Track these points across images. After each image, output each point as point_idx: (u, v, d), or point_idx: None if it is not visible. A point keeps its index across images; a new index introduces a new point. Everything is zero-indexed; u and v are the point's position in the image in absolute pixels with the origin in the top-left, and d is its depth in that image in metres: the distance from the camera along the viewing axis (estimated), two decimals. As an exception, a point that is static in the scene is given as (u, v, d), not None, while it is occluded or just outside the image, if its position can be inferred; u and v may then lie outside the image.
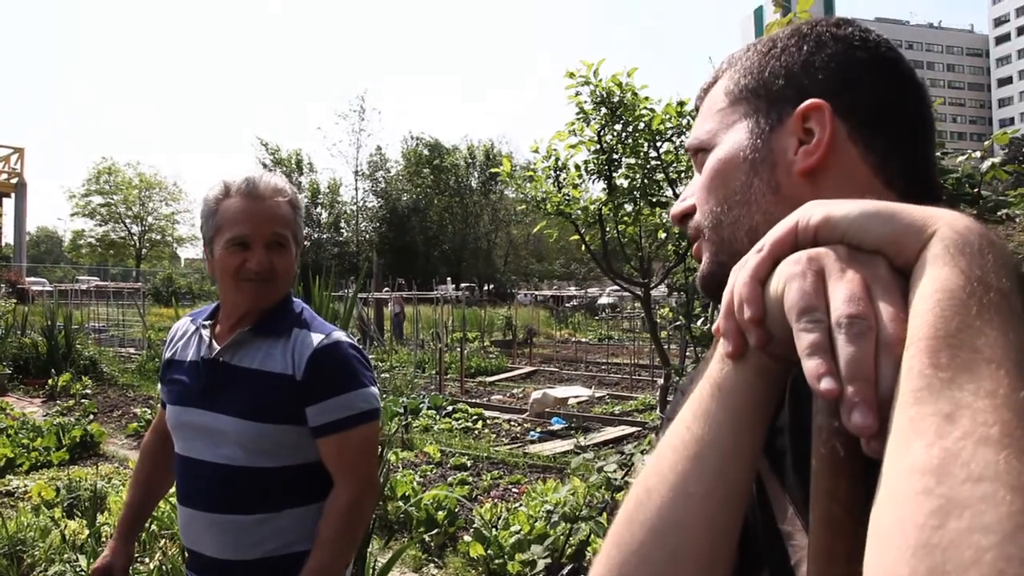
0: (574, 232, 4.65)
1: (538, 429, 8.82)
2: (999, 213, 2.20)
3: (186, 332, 1.82)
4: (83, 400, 9.59)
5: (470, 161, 56.91)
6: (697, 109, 0.78)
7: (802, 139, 0.66)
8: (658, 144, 4.08)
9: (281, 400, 1.61)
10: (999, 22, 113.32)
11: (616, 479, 3.70)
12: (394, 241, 53.00)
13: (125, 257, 53.90)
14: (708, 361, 0.57)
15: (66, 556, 3.91)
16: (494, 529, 4.56)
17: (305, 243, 1.83)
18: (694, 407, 0.56)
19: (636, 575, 0.54)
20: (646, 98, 4.01)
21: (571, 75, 4.07)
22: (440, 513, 5.04)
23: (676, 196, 4.07)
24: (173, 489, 1.84)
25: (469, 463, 6.99)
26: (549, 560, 3.94)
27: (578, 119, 4.15)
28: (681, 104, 3.93)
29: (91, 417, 8.50)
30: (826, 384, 0.42)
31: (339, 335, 1.70)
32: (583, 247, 4.74)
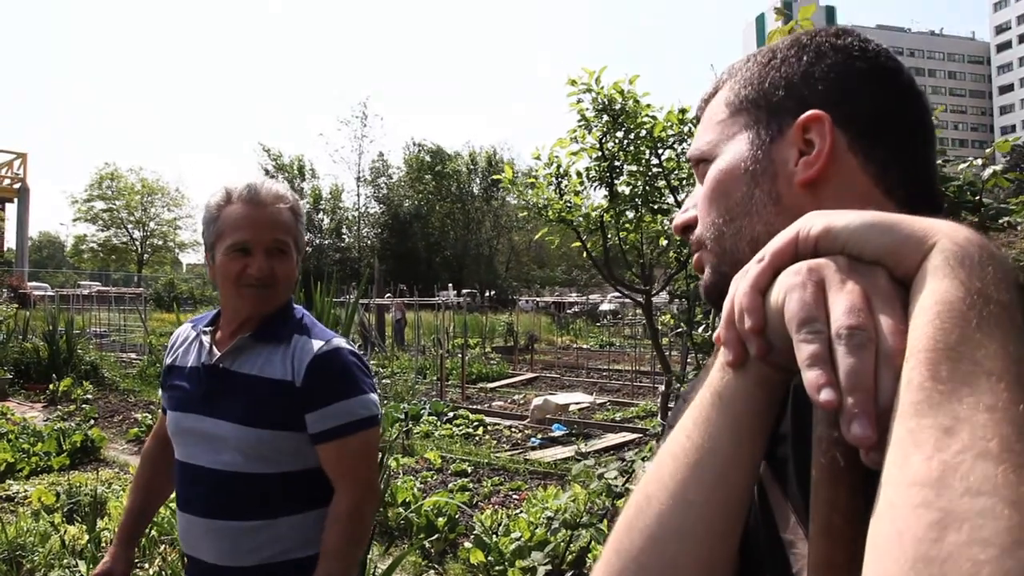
0: (576, 239, 4.65)
1: (539, 435, 8.80)
2: (1000, 221, 2.20)
3: (187, 338, 1.82)
4: (84, 405, 9.58)
5: (472, 167, 57.02)
6: (698, 119, 0.79)
7: (802, 150, 0.66)
8: (660, 151, 4.09)
9: (281, 406, 1.61)
10: (1000, 29, 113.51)
11: (617, 486, 3.69)
12: (396, 247, 53.06)
13: (127, 262, 53.95)
14: (709, 369, 0.57)
15: (66, 561, 3.91)
16: (494, 535, 4.55)
17: (307, 249, 1.83)
18: (694, 415, 0.56)
19: None
20: (648, 105, 4.02)
21: (573, 82, 4.07)
22: (441, 519, 5.03)
23: (678, 203, 4.08)
24: (173, 495, 1.84)
25: (470, 469, 6.97)
26: (549, 567, 3.93)
27: (580, 126, 4.16)
28: (683, 111, 3.94)
29: (92, 422, 8.48)
30: (826, 395, 0.42)
31: (339, 341, 1.70)
32: (585, 254, 4.74)
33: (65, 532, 4.25)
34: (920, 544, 0.34)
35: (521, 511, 5.09)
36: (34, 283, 29.51)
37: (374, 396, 1.70)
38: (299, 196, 1.77)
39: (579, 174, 4.40)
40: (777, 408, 0.55)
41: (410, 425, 8.41)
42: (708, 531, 0.53)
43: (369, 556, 3.38)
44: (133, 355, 16.53)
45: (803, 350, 0.44)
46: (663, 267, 4.98)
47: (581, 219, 4.39)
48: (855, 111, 0.66)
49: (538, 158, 4.47)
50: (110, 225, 53.61)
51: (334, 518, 1.62)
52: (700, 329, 3.89)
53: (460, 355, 14.04)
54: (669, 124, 3.96)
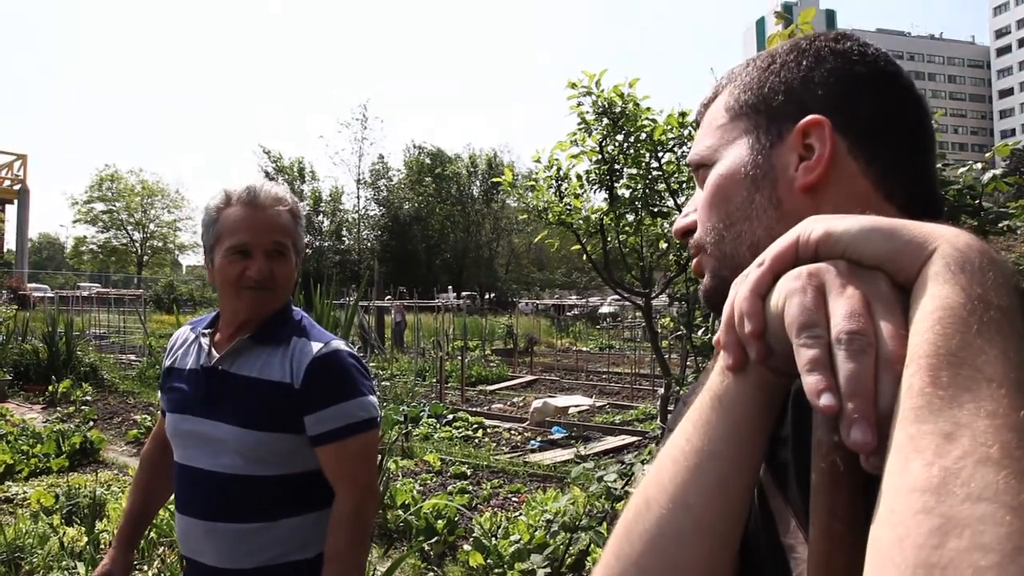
0: (575, 242, 4.65)
1: (538, 438, 8.80)
2: (1000, 225, 2.20)
3: (186, 340, 1.82)
4: (83, 407, 9.57)
5: (472, 170, 57.04)
6: (697, 123, 0.79)
7: (803, 155, 0.66)
8: (660, 154, 4.09)
9: (280, 408, 1.61)
10: (1000, 34, 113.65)
11: (616, 489, 3.69)
12: (396, 249, 53.05)
13: (127, 264, 54.00)
14: (709, 373, 0.57)
15: (64, 563, 3.90)
16: (494, 538, 4.55)
17: (307, 251, 1.83)
18: (694, 419, 0.56)
19: None
20: (648, 108, 4.02)
21: (573, 85, 4.08)
22: (440, 522, 5.02)
23: (678, 206, 4.08)
24: (172, 497, 1.84)
25: (469, 472, 6.97)
26: (548, 570, 3.93)
27: (580, 129, 4.16)
28: (683, 115, 3.94)
29: (91, 424, 8.48)
30: (825, 400, 0.42)
31: (338, 343, 1.70)
32: (584, 257, 4.74)
33: (64, 534, 4.25)
34: (921, 550, 0.34)
35: (520, 514, 5.09)
36: (34, 284, 29.52)
37: (373, 398, 1.70)
38: (299, 198, 1.78)
39: (579, 177, 4.40)
40: (777, 412, 0.55)
41: (409, 427, 8.40)
42: (708, 535, 0.53)
43: (368, 558, 3.37)
44: (132, 357, 16.53)
45: (803, 355, 0.44)
46: (663, 270, 4.98)
47: (581, 222, 4.39)
48: (855, 116, 0.66)
49: (538, 161, 4.47)
50: (110, 227, 53.67)
51: (337, 522, 1.61)
52: (700, 332, 3.89)
53: (459, 357, 14.04)
54: (669, 127, 3.96)
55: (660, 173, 4.12)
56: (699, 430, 0.55)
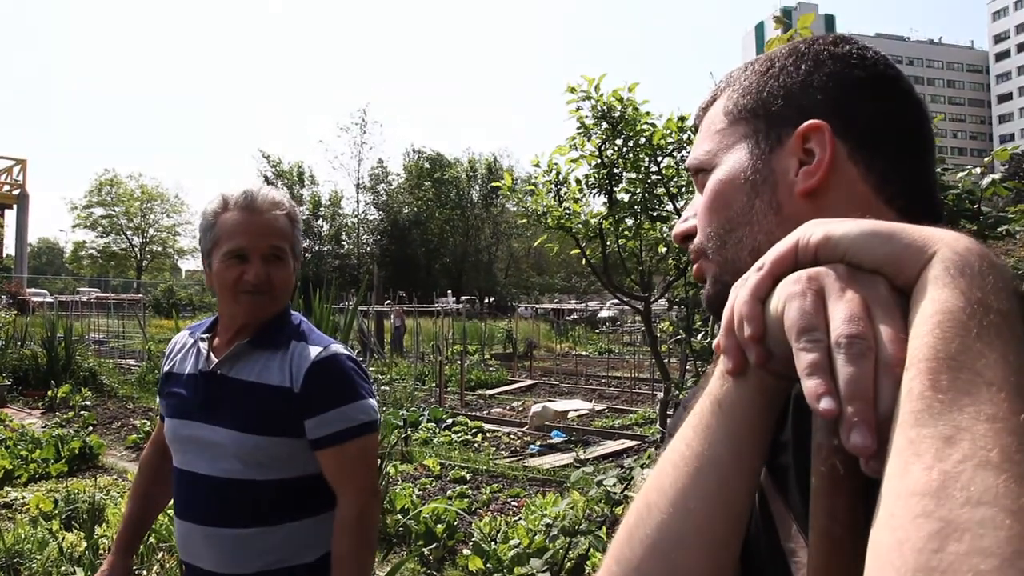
0: (575, 246, 4.66)
1: (538, 442, 8.79)
2: (999, 229, 2.20)
3: (184, 345, 1.82)
4: (82, 412, 9.56)
5: (471, 174, 57.09)
6: (696, 127, 0.79)
7: (802, 160, 0.66)
8: (659, 159, 4.10)
9: (279, 413, 1.61)
10: (999, 39, 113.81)
11: (615, 493, 3.69)
12: (395, 254, 53.05)
13: (126, 269, 53.98)
14: (709, 377, 0.57)
15: (63, 569, 3.90)
16: (493, 543, 4.54)
17: (306, 255, 1.83)
18: (694, 423, 0.56)
19: None
20: (647, 113, 4.03)
21: (572, 90, 4.08)
22: (439, 526, 5.02)
23: (677, 210, 4.08)
24: (172, 502, 1.84)
25: (468, 476, 6.96)
26: (548, 574, 3.92)
27: (579, 134, 4.17)
28: (682, 119, 3.95)
29: (90, 429, 8.48)
30: (825, 404, 0.42)
31: (337, 347, 1.70)
32: (584, 261, 4.74)
33: (63, 539, 4.24)
34: (921, 554, 0.34)
35: (520, 518, 5.08)
36: (33, 289, 29.48)
37: (373, 402, 1.70)
38: (298, 202, 1.78)
39: (578, 181, 4.41)
40: (777, 416, 0.55)
41: (409, 432, 8.39)
42: (709, 539, 0.53)
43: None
44: (132, 361, 16.49)
45: (803, 359, 0.44)
46: (662, 274, 4.98)
47: (580, 226, 4.40)
48: (854, 120, 0.65)
49: (537, 165, 4.48)
50: (109, 231, 53.68)
51: (341, 526, 1.61)
52: (699, 336, 3.89)
53: (459, 362, 14.03)
54: (668, 132, 3.96)
55: (659, 177, 4.12)
56: (699, 434, 0.55)
